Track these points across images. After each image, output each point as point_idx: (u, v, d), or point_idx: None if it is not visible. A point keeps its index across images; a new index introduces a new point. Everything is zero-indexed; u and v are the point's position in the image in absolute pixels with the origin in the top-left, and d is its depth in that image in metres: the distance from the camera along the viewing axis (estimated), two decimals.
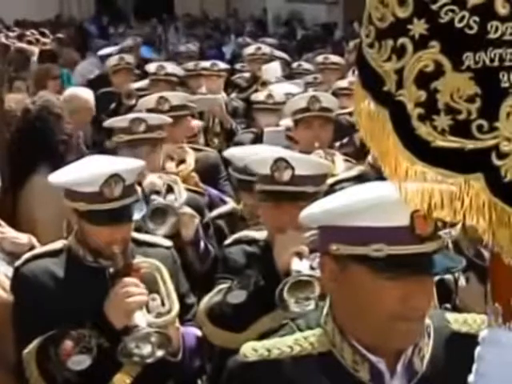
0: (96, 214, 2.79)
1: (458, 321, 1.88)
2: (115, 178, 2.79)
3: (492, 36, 1.52)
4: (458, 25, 1.52)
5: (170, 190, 3.81)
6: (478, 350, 1.62)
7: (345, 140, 5.77)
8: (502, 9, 1.51)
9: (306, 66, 9.02)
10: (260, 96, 6.45)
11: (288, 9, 20.96)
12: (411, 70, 1.54)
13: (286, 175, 2.95)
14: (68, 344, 2.65)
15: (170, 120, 4.31)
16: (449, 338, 1.85)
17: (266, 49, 8.68)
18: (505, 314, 1.63)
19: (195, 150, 5.02)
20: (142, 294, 2.72)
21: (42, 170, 3.84)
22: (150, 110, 4.70)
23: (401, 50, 1.54)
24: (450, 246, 2.86)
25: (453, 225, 2.77)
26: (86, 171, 2.86)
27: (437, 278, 2.73)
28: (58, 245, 2.97)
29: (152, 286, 2.80)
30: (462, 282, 2.77)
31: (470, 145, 1.52)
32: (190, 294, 3.16)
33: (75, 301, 2.74)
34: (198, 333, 3.00)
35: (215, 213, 4.03)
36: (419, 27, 1.53)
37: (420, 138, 1.54)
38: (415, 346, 1.79)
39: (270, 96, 6.29)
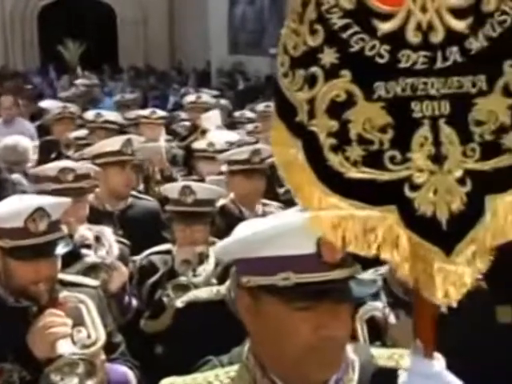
0: (21, 249, 2.75)
1: (383, 356, 1.82)
2: (40, 212, 2.76)
3: (403, 65, 1.50)
4: (369, 53, 1.50)
5: (98, 239, 3.81)
6: (401, 378, 1.59)
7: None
8: (413, 38, 1.50)
9: (249, 114, 9.04)
10: (201, 144, 6.42)
11: (231, 61, 21.17)
12: (323, 99, 1.51)
13: (190, 199, 3.84)
14: None
15: (97, 169, 4.34)
16: (374, 373, 1.79)
17: (206, 97, 8.69)
18: (426, 350, 1.60)
19: (135, 197, 4.98)
20: (65, 325, 2.66)
21: None
22: (115, 152, 4.70)
23: (312, 79, 1.51)
24: (380, 282, 2.83)
25: (382, 262, 2.75)
26: (9, 207, 2.83)
27: (367, 315, 2.71)
28: None
29: (78, 319, 2.75)
30: (391, 319, 2.74)
31: (382, 176, 1.49)
32: (117, 333, 3.11)
33: None
34: (127, 371, 2.93)
35: (152, 249, 4.10)
36: (330, 56, 1.50)
37: (333, 169, 1.51)
38: (339, 381, 1.73)
39: (211, 144, 6.27)
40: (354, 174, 1.50)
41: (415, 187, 1.49)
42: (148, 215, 4.86)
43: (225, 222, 4.37)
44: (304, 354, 1.63)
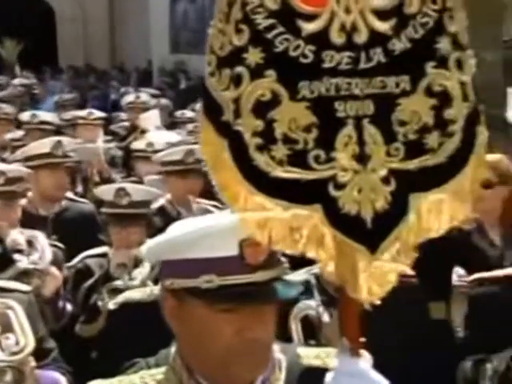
0: None
1: (310, 355, 1.84)
2: None
3: (327, 65, 1.51)
4: (293, 54, 1.51)
5: (30, 244, 3.75)
6: (328, 377, 1.60)
7: None
8: (337, 38, 1.52)
9: (190, 114, 9.01)
10: (140, 144, 6.39)
11: (173, 60, 21.07)
12: (248, 99, 1.51)
13: (125, 201, 3.84)
14: None
15: (29, 171, 4.33)
16: (301, 372, 1.80)
17: (145, 97, 8.64)
18: (352, 349, 1.61)
19: (70, 200, 4.95)
20: None
21: None
22: (45, 154, 4.67)
23: (237, 78, 1.52)
24: (313, 281, 2.86)
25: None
26: None
27: (301, 314, 2.73)
28: None
29: (6, 326, 2.66)
30: (325, 317, 2.77)
31: (307, 175, 1.50)
32: (49, 339, 3.08)
33: None
34: (59, 377, 2.89)
35: (88, 253, 4.08)
36: (255, 56, 1.51)
37: (258, 168, 1.51)
38: (265, 381, 1.74)
39: (150, 144, 6.24)
40: (279, 173, 1.50)
41: (339, 186, 1.50)
42: (83, 218, 4.85)
43: (163, 222, 4.36)
44: (229, 356, 1.63)
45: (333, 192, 1.50)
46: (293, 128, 1.50)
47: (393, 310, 2.87)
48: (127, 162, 7.11)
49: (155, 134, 7.00)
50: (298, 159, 1.50)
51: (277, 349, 1.76)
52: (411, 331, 2.92)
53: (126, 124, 8.54)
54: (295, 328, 2.79)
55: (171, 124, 8.80)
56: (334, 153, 1.50)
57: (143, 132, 7.51)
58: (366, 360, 1.65)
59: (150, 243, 1.75)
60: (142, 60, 22.78)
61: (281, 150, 1.50)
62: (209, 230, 1.61)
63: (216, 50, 1.55)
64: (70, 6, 25.59)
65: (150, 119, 7.69)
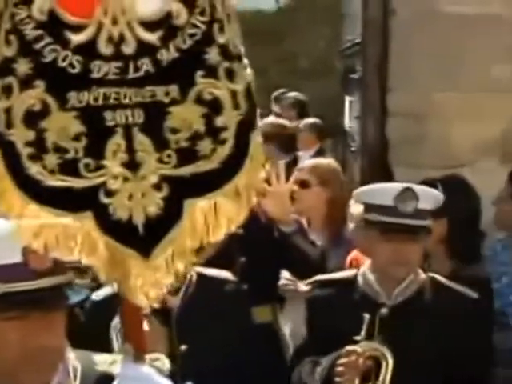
0: None
1: (106, 362, 1.85)
2: None
3: (96, 75, 1.55)
4: (62, 64, 1.54)
5: None
6: (115, 382, 1.64)
7: None
8: (105, 49, 1.56)
9: None
10: None
11: None
12: (19, 109, 1.53)
13: None
14: None
15: None
16: (97, 379, 1.81)
17: None
18: (136, 353, 1.65)
19: None
20: None
21: None
22: None
23: (8, 89, 1.54)
24: None
25: None
26: None
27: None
28: None
29: None
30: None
31: (78, 183, 1.54)
32: None
33: None
34: None
35: None
36: (24, 66, 1.53)
37: (31, 177, 1.54)
38: None
39: None
40: (51, 182, 1.53)
41: (110, 193, 1.54)
42: None
43: None
44: (16, 364, 1.62)
45: (103, 199, 1.54)
46: (63, 137, 1.54)
47: (216, 314, 2.91)
48: None
49: None
50: (68, 168, 1.54)
51: (72, 356, 1.76)
52: (236, 336, 2.95)
53: None
54: (115, 338, 2.78)
55: None
56: (103, 161, 1.54)
57: None
58: (162, 364, 1.69)
59: None
60: None
61: (52, 159, 1.54)
62: None
63: None
64: None
65: None
